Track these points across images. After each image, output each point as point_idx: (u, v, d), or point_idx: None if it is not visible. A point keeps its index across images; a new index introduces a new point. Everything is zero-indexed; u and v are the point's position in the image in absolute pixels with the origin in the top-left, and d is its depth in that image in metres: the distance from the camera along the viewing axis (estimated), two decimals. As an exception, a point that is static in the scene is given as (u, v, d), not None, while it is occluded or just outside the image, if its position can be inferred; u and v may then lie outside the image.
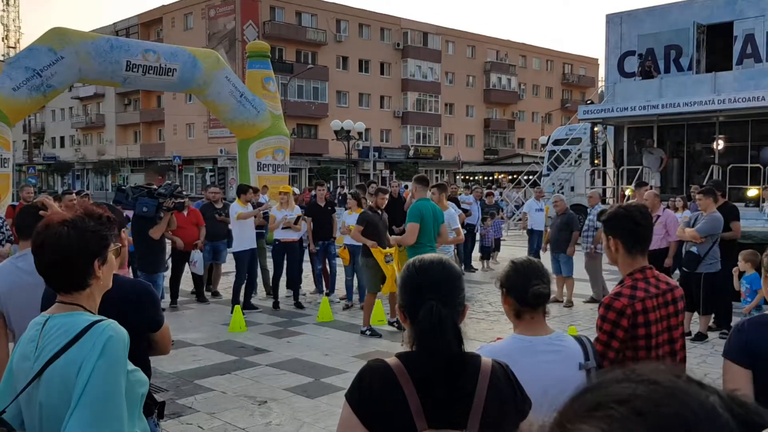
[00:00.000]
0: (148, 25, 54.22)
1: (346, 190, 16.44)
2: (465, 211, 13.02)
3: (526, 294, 2.32)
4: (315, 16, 49.19)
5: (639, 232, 2.66)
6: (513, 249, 15.63)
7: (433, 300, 1.72)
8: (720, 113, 16.26)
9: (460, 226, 9.33)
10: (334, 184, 36.14)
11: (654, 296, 2.59)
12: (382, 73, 53.11)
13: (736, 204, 10.27)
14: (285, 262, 9.85)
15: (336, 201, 17.83)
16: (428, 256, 1.89)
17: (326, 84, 48.68)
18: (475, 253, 14.26)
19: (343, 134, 28.19)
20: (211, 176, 47.42)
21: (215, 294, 10.73)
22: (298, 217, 9.84)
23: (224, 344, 7.70)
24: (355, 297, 9.94)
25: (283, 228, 9.77)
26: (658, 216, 8.42)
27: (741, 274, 6.43)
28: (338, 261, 10.33)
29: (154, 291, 2.80)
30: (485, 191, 17.81)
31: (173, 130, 51.89)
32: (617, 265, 2.75)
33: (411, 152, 53.15)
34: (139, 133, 57.54)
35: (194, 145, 48.43)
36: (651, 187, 14.48)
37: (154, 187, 8.11)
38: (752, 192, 12.27)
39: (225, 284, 10.75)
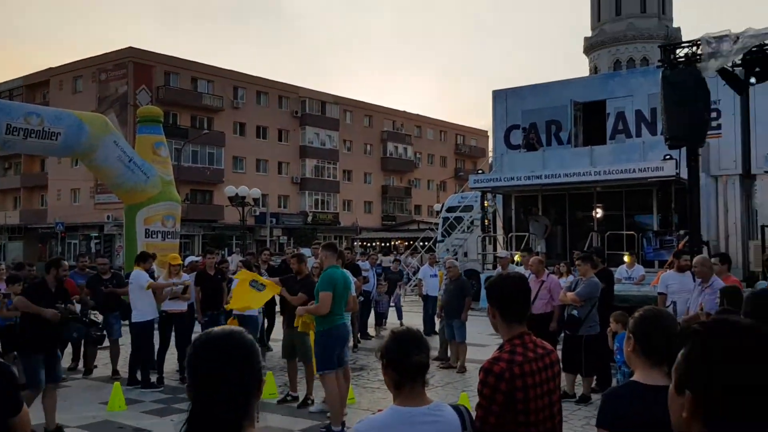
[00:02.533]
0: (34, 87, 52.03)
1: (239, 258, 16.07)
2: (363, 277, 13.05)
3: (405, 365, 2.31)
4: (211, 82, 49.06)
5: (515, 300, 2.76)
6: (409, 315, 15.73)
7: (209, 385, 1.58)
8: (597, 184, 17.42)
9: (355, 293, 9.31)
10: (228, 251, 35.31)
11: (532, 360, 2.67)
12: (280, 139, 53.35)
13: (615, 269, 10.90)
14: (173, 334, 9.41)
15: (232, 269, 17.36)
16: (217, 330, 1.71)
17: (222, 149, 48.19)
18: (371, 320, 14.24)
19: (237, 200, 27.81)
20: (96, 243, 45.10)
21: (88, 372, 9.92)
22: (186, 287, 9.49)
23: (101, 426, 7.15)
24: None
25: (170, 299, 9.37)
26: (543, 281, 8.78)
27: (615, 335, 6.77)
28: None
29: (12, 371, 2.59)
30: (392, 258, 17.97)
31: (57, 195, 49.30)
32: (498, 332, 2.83)
33: (309, 218, 53.13)
34: (19, 198, 54.21)
35: (79, 211, 46.09)
36: (538, 254, 15.14)
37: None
38: (625, 258, 13.08)
39: (119, 358, 10.07)
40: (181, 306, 9.49)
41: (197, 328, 10.01)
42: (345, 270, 7.71)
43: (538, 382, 2.66)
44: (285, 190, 53.17)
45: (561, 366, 7.79)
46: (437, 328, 12.35)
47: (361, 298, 12.61)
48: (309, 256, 11.77)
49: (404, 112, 65.46)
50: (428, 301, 13.85)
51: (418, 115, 67.01)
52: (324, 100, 56.25)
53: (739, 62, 11.40)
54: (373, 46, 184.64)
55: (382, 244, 42.70)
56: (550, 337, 8.23)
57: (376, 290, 14.29)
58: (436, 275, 13.97)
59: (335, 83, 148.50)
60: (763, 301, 4.75)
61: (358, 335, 12.80)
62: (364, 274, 13.27)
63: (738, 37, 10.91)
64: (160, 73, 46.15)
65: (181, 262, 10.29)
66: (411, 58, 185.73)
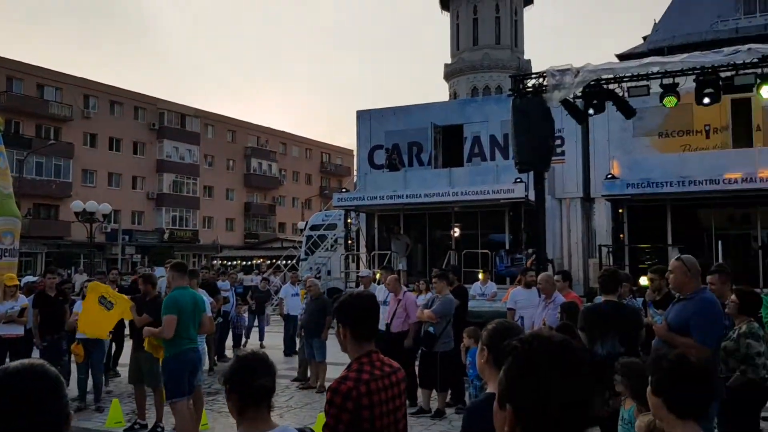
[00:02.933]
0: None
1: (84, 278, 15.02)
2: (223, 297, 12.65)
3: (248, 389, 2.23)
4: (60, 90, 45.80)
5: (366, 319, 2.77)
6: (270, 335, 15.42)
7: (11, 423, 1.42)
8: (455, 204, 18.13)
9: (212, 314, 8.97)
10: (75, 270, 32.91)
11: (379, 378, 2.69)
12: (135, 152, 50.74)
13: (471, 285, 11.33)
14: (8, 361, 8.56)
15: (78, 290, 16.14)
16: (15, 365, 1.54)
17: (71, 161, 45.00)
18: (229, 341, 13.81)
19: (85, 216, 26.02)
20: None
21: None
22: (23, 309, 8.71)
23: None
24: (90, 397, 8.92)
25: (4, 323, 8.57)
26: (400, 300, 8.94)
27: (467, 349, 7.02)
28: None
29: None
30: (260, 277, 17.52)
31: None
32: (347, 352, 2.81)
33: (166, 236, 50.80)
34: None
35: None
36: (399, 272, 15.42)
37: None
38: (479, 275, 13.69)
39: None
40: (17, 330, 8.72)
41: (35, 354, 9.20)
42: (199, 290, 7.40)
43: (384, 400, 2.68)
44: (140, 205, 50.56)
45: (418, 381, 7.90)
46: (297, 347, 12.20)
47: (219, 319, 12.21)
48: (161, 276, 11.23)
49: (269, 128, 64.80)
50: (289, 321, 13.66)
51: (283, 131, 66.59)
52: (184, 112, 54.30)
53: (580, 94, 12.39)
54: (239, 62, 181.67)
55: (244, 263, 41.76)
56: (408, 355, 8.38)
57: (235, 311, 13.90)
58: (297, 294, 13.83)
59: (197, 97, 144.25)
60: (592, 315, 5.14)
61: (215, 357, 12.36)
62: (223, 294, 12.88)
63: (579, 71, 11.87)
64: (1, 76, 42.44)
65: (17, 282, 9.48)
66: (278, 75, 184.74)
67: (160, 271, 17.72)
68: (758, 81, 10.96)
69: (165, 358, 6.58)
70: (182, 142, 53.40)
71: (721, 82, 11.25)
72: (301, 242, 26.97)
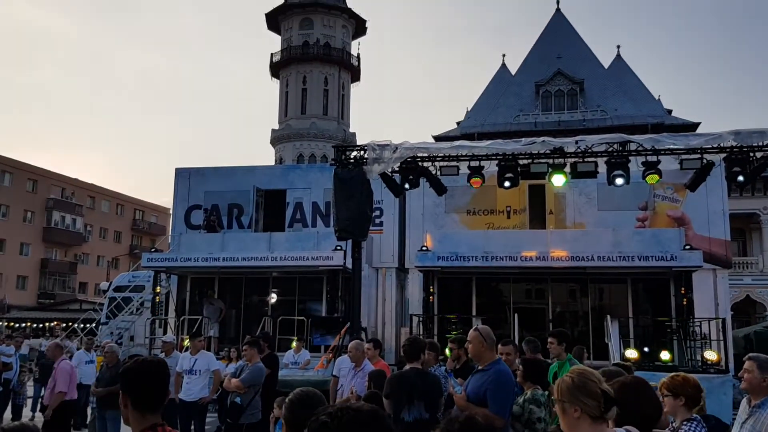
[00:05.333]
0: None
1: None
2: (5, 364, 11.22)
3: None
4: None
5: (151, 388, 2.55)
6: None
7: None
8: (273, 269, 17.89)
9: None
10: None
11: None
12: None
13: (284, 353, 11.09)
14: None
15: None
16: None
17: None
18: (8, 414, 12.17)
19: None
20: None
21: None
22: None
23: None
24: None
25: None
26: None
27: (277, 420, 6.79)
28: None
29: None
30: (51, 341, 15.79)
31: None
32: (128, 424, 2.56)
33: (-59, 293, 44.48)
34: None
35: None
36: (210, 338, 14.76)
37: None
38: (293, 344, 13.51)
39: None
40: None
41: None
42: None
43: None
44: None
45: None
46: (89, 419, 11.06)
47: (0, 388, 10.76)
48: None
49: (77, 179, 60.22)
50: (81, 390, 12.36)
51: (93, 184, 62.19)
52: (-22, 156, 48.96)
53: (398, 169, 13.02)
54: (47, 108, 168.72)
55: (35, 326, 37.63)
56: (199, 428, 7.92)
57: (17, 379, 12.36)
58: (93, 361, 12.64)
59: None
60: (397, 382, 5.24)
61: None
62: (5, 359, 11.44)
63: (397, 147, 12.52)
64: None
65: None
66: (91, 125, 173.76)
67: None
68: (550, 170, 12.28)
69: None
70: (-29, 188, 47.88)
71: (519, 169, 12.44)
72: (102, 304, 24.91)
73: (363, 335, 12.83)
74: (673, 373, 4.21)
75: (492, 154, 12.68)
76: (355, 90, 58.74)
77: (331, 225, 16.27)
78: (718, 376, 11.29)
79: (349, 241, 13.80)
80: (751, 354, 4.72)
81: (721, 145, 11.73)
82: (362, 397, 5.82)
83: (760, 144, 11.50)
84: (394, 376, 5.47)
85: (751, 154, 11.65)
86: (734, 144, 11.63)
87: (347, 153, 13.52)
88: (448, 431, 2.62)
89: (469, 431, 2.60)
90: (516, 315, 16.25)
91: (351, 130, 57.08)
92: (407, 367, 5.56)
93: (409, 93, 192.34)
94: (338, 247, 16.19)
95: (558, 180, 12.45)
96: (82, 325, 25.01)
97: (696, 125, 36.59)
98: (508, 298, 18.55)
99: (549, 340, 6.75)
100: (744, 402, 4.47)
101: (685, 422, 4.03)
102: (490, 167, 12.98)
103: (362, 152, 13.13)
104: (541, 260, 16.32)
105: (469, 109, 43.26)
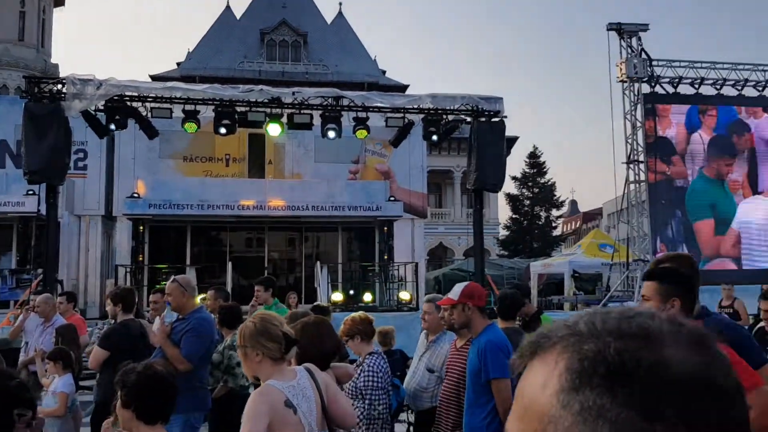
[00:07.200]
0: None
1: None
2: None
3: None
4: None
5: None
6: None
7: None
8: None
9: None
10: None
11: None
12: None
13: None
14: None
15: None
16: None
17: None
18: None
19: None
20: None
21: None
22: None
23: None
24: None
25: None
26: None
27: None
28: None
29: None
30: None
31: None
32: None
33: None
34: None
35: None
36: None
37: None
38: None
39: None
40: None
41: None
42: None
43: None
44: None
45: None
46: None
47: None
48: None
49: None
50: None
51: None
52: None
53: (102, 108, 11.90)
54: None
55: None
56: None
57: None
58: None
59: None
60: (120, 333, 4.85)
61: None
62: None
63: (102, 84, 11.39)
64: None
65: None
66: None
67: None
68: (267, 119, 12.31)
69: None
70: None
71: (236, 116, 12.24)
72: None
73: (59, 288, 11.68)
74: (345, 318, 4.56)
75: (208, 99, 12.26)
76: (59, 15, 52.12)
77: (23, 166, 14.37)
78: (410, 313, 12.61)
79: (44, 185, 12.32)
80: (428, 296, 5.31)
81: (420, 106, 12.89)
82: (48, 355, 5.30)
83: (452, 108, 12.89)
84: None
85: (444, 117, 13.02)
86: (431, 106, 12.86)
87: (41, 86, 11.93)
88: (125, 382, 2.66)
89: (148, 382, 2.64)
90: (231, 264, 16.24)
91: (54, 61, 50.63)
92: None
93: (126, 27, 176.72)
94: (31, 192, 14.39)
95: (274, 129, 12.54)
96: None
97: (406, 87, 39.68)
98: (225, 247, 18.46)
99: (256, 288, 6.85)
100: (422, 336, 4.98)
101: (367, 356, 4.40)
102: (207, 112, 12.57)
103: (60, 86, 11.70)
104: (258, 209, 16.49)
105: (190, 50, 41.25)
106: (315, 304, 7.09)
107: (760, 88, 14.95)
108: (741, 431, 0.58)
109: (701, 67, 14.71)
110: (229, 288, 13.26)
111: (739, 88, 14.87)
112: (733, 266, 13.66)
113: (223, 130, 12.22)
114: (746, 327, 7.66)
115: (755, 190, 14.15)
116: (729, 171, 14.06)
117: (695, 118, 14.32)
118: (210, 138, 17.18)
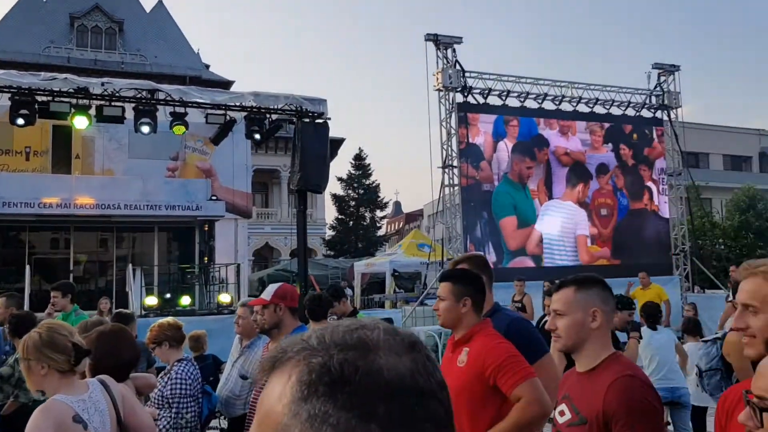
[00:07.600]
0: None
1: None
2: None
3: None
4: None
5: None
6: None
7: None
8: None
9: None
10: None
11: None
12: None
13: None
14: None
15: None
16: None
17: None
18: None
19: None
20: None
21: None
22: None
23: None
24: None
25: None
26: None
27: None
28: None
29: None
30: None
31: None
32: None
33: None
34: None
35: None
36: None
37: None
38: None
39: None
40: None
41: None
42: None
43: None
44: None
45: None
46: None
47: None
48: None
49: None
50: None
51: None
52: None
53: None
54: None
55: None
56: None
57: None
58: None
59: None
60: None
61: None
62: None
63: None
64: None
65: None
66: None
67: None
68: (73, 110, 11.36)
69: None
70: None
71: (37, 106, 11.17)
72: None
73: None
74: (152, 324, 4.39)
75: (4, 87, 11.06)
76: None
77: None
78: (231, 316, 12.28)
79: None
80: (242, 299, 5.23)
81: (243, 104, 12.64)
82: None
83: (275, 107, 12.79)
84: None
85: (268, 116, 12.88)
86: (254, 104, 12.66)
87: None
88: None
89: None
90: (29, 267, 14.84)
91: None
92: None
93: None
94: None
95: (81, 122, 11.60)
96: None
97: (231, 83, 38.70)
98: (25, 249, 16.84)
99: (52, 293, 6.32)
100: (236, 341, 4.89)
101: (176, 363, 4.24)
102: (3, 101, 11.34)
103: None
104: (63, 207, 15.25)
105: (-12, 31, 36.95)
106: (117, 311, 6.68)
107: (557, 103, 16.56)
108: (441, 422, 0.67)
109: (507, 80, 15.97)
110: (27, 293, 12.11)
111: (540, 101, 16.35)
112: (532, 264, 14.99)
113: (20, 121, 11.08)
114: (532, 320, 8.47)
115: (551, 197, 15.66)
116: (530, 174, 15.40)
117: (501, 127, 15.53)
118: (8, 129, 15.49)
